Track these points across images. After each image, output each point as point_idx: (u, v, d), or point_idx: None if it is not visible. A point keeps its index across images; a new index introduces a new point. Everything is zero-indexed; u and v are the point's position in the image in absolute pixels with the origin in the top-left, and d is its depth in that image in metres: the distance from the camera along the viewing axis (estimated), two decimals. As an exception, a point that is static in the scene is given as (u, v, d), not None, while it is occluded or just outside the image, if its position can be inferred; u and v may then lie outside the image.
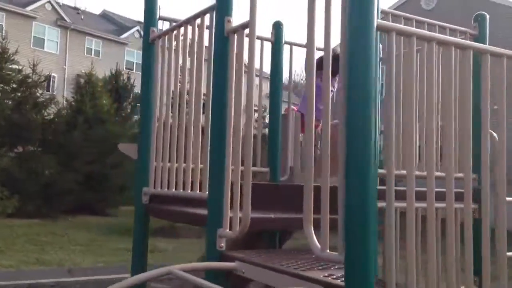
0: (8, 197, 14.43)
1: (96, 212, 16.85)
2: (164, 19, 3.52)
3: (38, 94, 16.86)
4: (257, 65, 2.93)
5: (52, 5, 33.98)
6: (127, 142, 19.34)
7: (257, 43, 3.09)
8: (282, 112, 4.00)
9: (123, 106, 22.32)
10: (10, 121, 15.64)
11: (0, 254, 9.90)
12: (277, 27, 3.96)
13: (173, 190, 3.03)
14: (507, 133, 2.27)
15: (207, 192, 2.69)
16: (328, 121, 1.93)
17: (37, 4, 33.18)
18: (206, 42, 2.98)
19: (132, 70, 32.32)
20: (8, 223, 13.62)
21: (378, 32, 1.82)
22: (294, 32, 4.42)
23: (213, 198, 2.59)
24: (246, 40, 2.59)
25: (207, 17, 2.88)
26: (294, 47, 4.14)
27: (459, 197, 2.21)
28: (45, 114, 17.05)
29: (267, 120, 4.03)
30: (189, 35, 3.02)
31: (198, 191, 2.79)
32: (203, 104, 2.93)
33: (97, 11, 41.74)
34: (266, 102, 4.13)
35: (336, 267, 2.27)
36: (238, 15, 2.66)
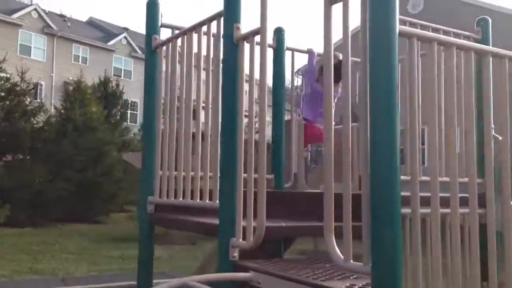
0: (-1, 206, 14.26)
1: (87, 220, 16.68)
2: (166, 26, 3.47)
3: (27, 102, 16.68)
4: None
5: (38, 12, 33.71)
6: (116, 149, 19.27)
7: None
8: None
9: (112, 113, 22.21)
10: (-1, 129, 15.49)
11: (-8, 264, 9.76)
12: (279, 33, 3.94)
13: (180, 199, 2.98)
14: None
15: (217, 201, 2.65)
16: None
17: (23, 12, 32.90)
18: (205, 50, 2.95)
19: (120, 77, 32.19)
20: (-1, 233, 13.47)
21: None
22: (291, 37, 4.39)
23: (225, 207, 2.55)
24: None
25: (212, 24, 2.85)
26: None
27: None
28: (34, 122, 16.88)
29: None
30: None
31: (208, 200, 2.75)
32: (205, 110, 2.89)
33: (84, 18, 41.55)
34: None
35: (355, 276, 2.24)
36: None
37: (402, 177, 2.72)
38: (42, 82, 30.74)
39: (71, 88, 20.31)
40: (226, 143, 2.57)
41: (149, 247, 3.37)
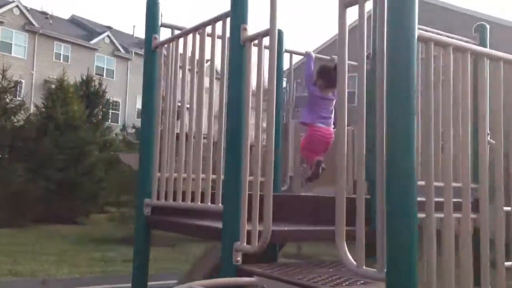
0: (-24, 207, 13.97)
1: (67, 221, 16.44)
2: (166, 26, 3.42)
3: (7, 100, 16.40)
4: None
5: (20, 9, 33.21)
6: (97, 149, 19.06)
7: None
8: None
9: (94, 113, 21.98)
10: (-22, 127, 15.19)
11: (-29, 266, 9.54)
12: (278, 35, 3.91)
13: (180, 201, 2.94)
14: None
15: (220, 204, 2.62)
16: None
17: (5, 9, 32.38)
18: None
19: (102, 76, 31.83)
20: (-24, 234, 13.18)
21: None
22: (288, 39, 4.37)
23: (229, 210, 2.51)
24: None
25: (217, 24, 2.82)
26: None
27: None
28: (15, 120, 16.60)
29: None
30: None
31: (209, 203, 2.72)
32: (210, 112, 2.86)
33: (66, 16, 41.06)
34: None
35: (362, 282, 2.23)
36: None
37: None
38: (23, 80, 30.25)
39: (53, 86, 20.04)
40: (232, 146, 2.54)
41: (145, 251, 3.32)
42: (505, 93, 2.08)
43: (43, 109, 18.14)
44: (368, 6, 1.96)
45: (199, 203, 2.80)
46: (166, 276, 6.98)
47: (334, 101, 3.94)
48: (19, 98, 18.97)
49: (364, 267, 1.88)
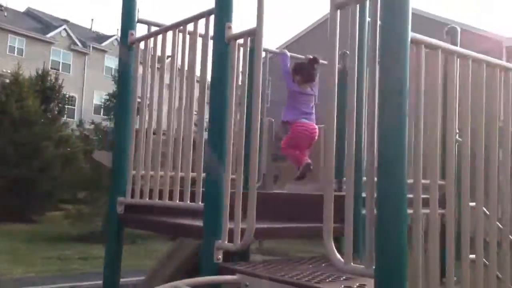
0: None
1: (22, 219, 15.97)
2: (143, 22, 3.37)
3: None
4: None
5: (-29, 0, 31.97)
6: (53, 145, 18.57)
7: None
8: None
9: (50, 108, 21.40)
10: None
11: None
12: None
13: (157, 200, 2.91)
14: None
15: (200, 202, 2.61)
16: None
17: (-45, -2, 31.09)
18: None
19: (58, 70, 30.95)
20: None
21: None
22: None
23: (210, 208, 2.51)
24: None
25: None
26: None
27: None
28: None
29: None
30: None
31: (188, 201, 2.70)
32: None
33: (22, 8, 39.80)
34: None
35: (344, 277, 2.27)
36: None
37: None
38: (-27, 73, 29.13)
39: (7, 80, 19.38)
40: (214, 144, 2.53)
41: (118, 249, 3.26)
42: (473, 93, 2.15)
43: (-3, 104, 17.54)
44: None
45: (177, 201, 2.78)
46: (130, 274, 6.87)
47: (313, 97, 3.99)
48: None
49: (352, 263, 1.92)
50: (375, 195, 1.82)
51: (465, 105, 2.11)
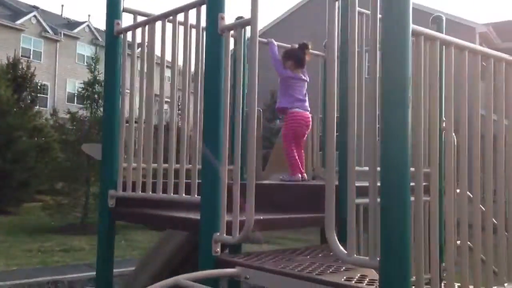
0: None
1: (-3, 211, 15.68)
2: (128, 11, 3.30)
3: None
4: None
5: None
6: (27, 135, 18.21)
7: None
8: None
9: (22, 97, 20.93)
10: None
11: None
12: (240, 22, 3.88)
13: (150, 193, 2.88)
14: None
15: (196, 195, 2.60)
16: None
17: None
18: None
19: (29, 58, 30.22)
20: None
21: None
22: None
23: (207, 201, 2.49)
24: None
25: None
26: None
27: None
28: None
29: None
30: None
31: (183, 194, 2.68)
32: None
33: (-12, -7, 38.56)
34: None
35: (344, 268, 2.28)
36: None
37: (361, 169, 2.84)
38: None
39: (-23, 69, 18.88)
40: (210, 137, 2.51)
41: (110, 243, 3.23)
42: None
43: (-33, 93, 17.09)
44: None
45: (172, 194, 2.75)
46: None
47: (306, 83, 4.00)
48: None
49: (355, 255, 1.93)
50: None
51: (462, 96, 2.13)
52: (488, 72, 2.21)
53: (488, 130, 2.23)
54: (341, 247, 1.96)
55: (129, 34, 3.18)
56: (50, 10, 40.40)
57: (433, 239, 2.28)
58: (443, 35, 2.01)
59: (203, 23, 2.64)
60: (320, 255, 2.65)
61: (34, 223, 14.32)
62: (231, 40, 2.62)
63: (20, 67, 22.04)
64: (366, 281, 2.01)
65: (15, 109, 18.58)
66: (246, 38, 3.91)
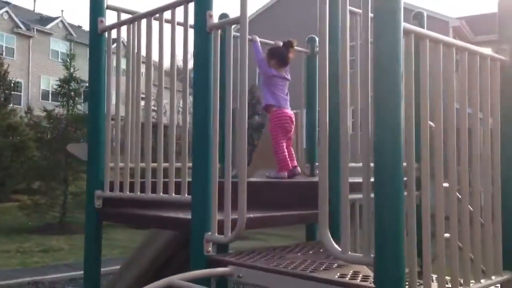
0: None
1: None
2: (112, 8, 3.26)
3: None
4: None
5: None
6: (1, 133, 17.86)
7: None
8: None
9: (-5, 95, 20.55)
10: None
11: None
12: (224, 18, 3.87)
13: (139, 193, 2.86)
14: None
15: (186, 194, 2.58)
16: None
17: None
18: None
19: (2, 54, 29.60)
20: None
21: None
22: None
23: (198, 200, 2.48)
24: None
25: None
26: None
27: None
28: None
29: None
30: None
31: (173, 194, 2.67)
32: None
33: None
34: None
35: (336, 265, 2.30)
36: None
37: (354, 164, 2.87)
38: None
39: None
40: (199, 135, 2.50)
41: (97, 244, 3.19)
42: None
43: None
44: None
45: (161, 194, 2.73)
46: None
47: (288, 82, 4.02)
48: None
49: (349, 252, 1.94)
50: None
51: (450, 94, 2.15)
52: (463, 65, 2.23)
53: (463, 123, 2.25)
54: (335, 245, 1.98)
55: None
56: (22, 6, 39.61)
57: (425, 229, 2.31)
58: (432, 34, 2.03)
59: (190, 21, 2.62)
60: (310, 252, 2.67)
61: (11, 223, 14.08)
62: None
63: (-7, 64, 21.61)
64: (359, 278, 2.03)
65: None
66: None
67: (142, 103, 3.00)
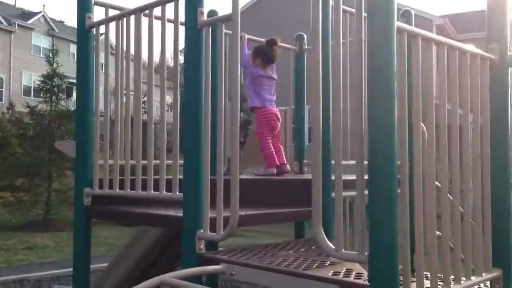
0: None
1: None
2: (100, 4, 3.22)
3: None
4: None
5: None
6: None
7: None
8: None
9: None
10: None
11: None
12: (213, 15, 3.85)
13: (128, 190, 2.84)
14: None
15: (177, 192, 2.57)
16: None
17: None
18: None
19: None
20: None
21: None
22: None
23: (190, 197, 2.47)
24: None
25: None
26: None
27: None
28: None
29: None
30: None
31: (164, 191, 2.65)
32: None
33: None
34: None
35: (328, 262, 2.31)
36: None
37: (345, 162, 2.88)
38: None
39: None
40: (191, 132, 2.49)
41: (86, 242, 3.16)
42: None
43: None
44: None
45: (151, 191, 2.71)
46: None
47: (275, 82, 4.02)
48: None
49: (343, 250, 1.95)
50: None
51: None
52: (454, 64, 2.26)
53: (454, 122, 2.27)
54: (330, 243, 1.98)
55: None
56: (3, 0, 38.98)
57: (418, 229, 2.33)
58: (425, 32, 2.05)
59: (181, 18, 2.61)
60: (302, 249, 2.67)
61: (-9, 220, 13.94)
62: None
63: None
64: (353, 275, 2.04)
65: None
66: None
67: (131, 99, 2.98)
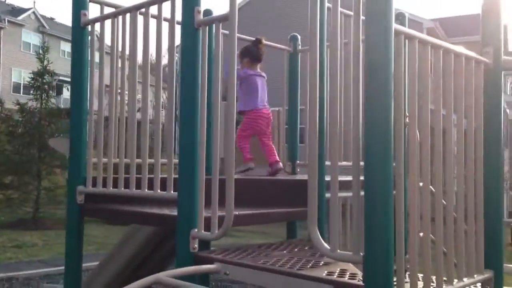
0: None
1: None
2: (95, 2, 3.21)
3: None
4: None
5: None
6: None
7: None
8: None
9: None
10: None
11: None
12: (208, 14, 3.85)
13: (123, 189, 2.83)
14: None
15: (172, 191, 2.57)
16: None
17: None
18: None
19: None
20: None
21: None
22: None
23: (184, 196, 2.47)
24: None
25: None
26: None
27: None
28: None
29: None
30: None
31: (159, 190, 2.65)
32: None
33: None
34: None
35: (322, 262, 2.32)
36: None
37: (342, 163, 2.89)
38: None
39: None
40: (186, 131, 2.49)
41: (78, 240, 3.15)
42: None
43: None
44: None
45: (146, 190, 2.71)
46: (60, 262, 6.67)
47: (265, 80, 4.03)
48: None
49: (338, 250, 1.96)
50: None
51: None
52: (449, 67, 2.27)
53: (448, 126, 2.29)
54: (325, 243, 1.99)
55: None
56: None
57: (400, 233, 2.35)
58: (421, 35, 2.06)
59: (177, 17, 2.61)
60: (296, 249, 2.68)
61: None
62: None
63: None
64: (347, 276, 2.06)
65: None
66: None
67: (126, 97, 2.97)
